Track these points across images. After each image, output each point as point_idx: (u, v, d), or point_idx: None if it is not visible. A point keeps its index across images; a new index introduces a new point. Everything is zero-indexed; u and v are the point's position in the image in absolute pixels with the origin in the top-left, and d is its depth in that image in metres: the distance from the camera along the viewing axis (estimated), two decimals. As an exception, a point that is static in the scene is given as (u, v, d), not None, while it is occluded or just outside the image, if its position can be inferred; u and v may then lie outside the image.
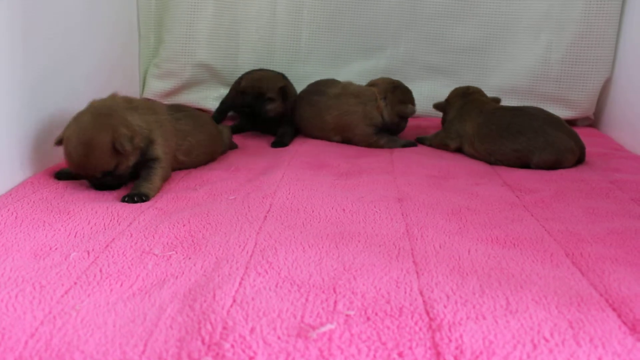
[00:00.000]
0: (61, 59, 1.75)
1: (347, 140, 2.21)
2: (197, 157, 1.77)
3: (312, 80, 2.41)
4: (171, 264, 1.07)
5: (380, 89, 2.18)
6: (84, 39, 1.92)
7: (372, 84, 2.24)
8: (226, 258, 1.09)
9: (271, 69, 2.55)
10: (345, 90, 2.24)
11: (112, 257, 1.09)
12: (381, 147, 2.15)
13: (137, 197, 1.44)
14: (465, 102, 2.09)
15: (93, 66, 2.01)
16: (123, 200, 1.43)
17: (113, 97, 1.59)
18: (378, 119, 2.16)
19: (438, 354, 0.80)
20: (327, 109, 2.21)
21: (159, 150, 1.57)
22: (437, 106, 2.21)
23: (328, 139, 2.24)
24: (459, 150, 2.06)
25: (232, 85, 2.46)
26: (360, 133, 2.16)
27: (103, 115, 1.49)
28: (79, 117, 1.51)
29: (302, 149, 2.08)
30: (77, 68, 1.86)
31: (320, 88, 2.30)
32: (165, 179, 1.59)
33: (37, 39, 1.60)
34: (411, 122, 2.32)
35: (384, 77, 2.30)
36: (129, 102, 1.61)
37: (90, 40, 1.97)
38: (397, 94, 2.18)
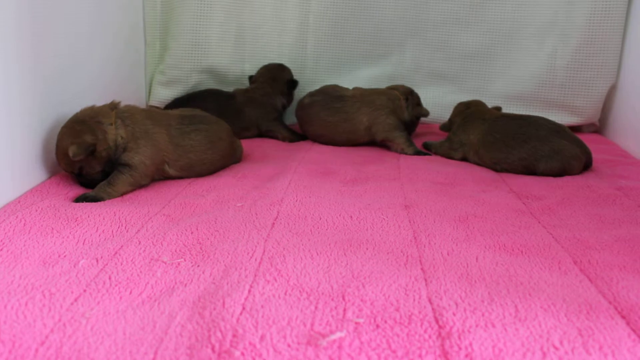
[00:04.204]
0: (67, 67, 1.75)
1: (372, 137, 2.25)
2: (199, 173, 1.74)
3: (318, 87, 2.41)
4: (180, 272, 1.07)
5: (401, 92, 2.28)
6: (90, 47, 1.93)
7: (392, 88, 2.31)
8: (235, 265, 1.10)
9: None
10: (369, 90, 2.31)
11: (121, 264, 1.10)
12: (395, 138, 2.18)
13: (89, 199, 1.47)
14: (466, 115, 2.11)
15: (99, 74, 2.01)
16: (75, 201, 1.46)
17: (111, 104, 1.64)
18: (404, 115, 2.25)
19: (448, 362, 0.80)
20: (357, 110, 2.24)
21: (135, 158, 1.58)
22: (443, 127, 2.24)
23: (356, 141, 2.28)
24: (463, 160, 2.06)
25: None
26: (384, 122, 2.21)
27: (77, 121, 1.56)
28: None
29: (309, 155, 2.08)
30: (83, 76, 1.86)
31: (333, 94, 2.30)
32: (136, 186, 1.59)
33: (44, 45, 1.61)
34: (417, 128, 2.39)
35: (400, 84, 2.39)
36: (129, 110, 1.64)
37: (96, 48, 1.98)
38: (415, 97, 2.32)
